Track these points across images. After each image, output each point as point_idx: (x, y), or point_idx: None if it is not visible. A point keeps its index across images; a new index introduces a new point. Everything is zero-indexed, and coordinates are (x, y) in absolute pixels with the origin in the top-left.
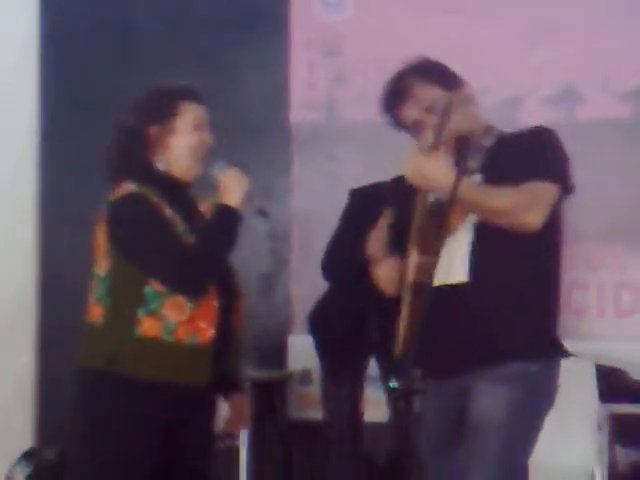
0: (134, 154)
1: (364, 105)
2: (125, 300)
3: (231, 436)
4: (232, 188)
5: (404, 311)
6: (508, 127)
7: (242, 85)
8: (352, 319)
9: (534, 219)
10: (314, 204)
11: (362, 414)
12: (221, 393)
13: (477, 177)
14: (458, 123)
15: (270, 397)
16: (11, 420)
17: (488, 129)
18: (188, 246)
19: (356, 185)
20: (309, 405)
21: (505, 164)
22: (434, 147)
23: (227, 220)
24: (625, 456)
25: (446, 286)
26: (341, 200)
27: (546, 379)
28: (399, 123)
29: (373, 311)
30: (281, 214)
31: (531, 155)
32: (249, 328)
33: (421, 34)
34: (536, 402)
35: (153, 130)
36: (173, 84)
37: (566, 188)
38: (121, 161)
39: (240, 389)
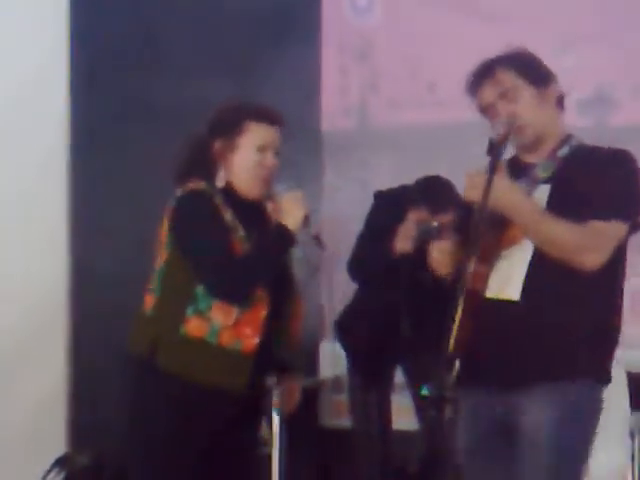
0: (199, 162)
1: (396, 111)
2: (176, 295)
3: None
4: (292, 211)
5: (458, 313)
6: None
7: (273, 91)
8: (381, 322)
9: (593, 262)
10: (345, 211)
11: (390, 421)
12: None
13: (544, 188)
14: (533, 120)
15: (302, 405)
16: (44, 424)
17: (566, 138)
18: (237, 254)
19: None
20: (341, 412)
21: (578, 184)
22: (495, 170)
23: (281, 240)
24: None
25: (498, 300)
26: (370, 205)
27: (591, 405)
28: (477, 105)
29: (404, 310)
30: (313, 221)
31: (608, 187)
32: None
33: (451, 38)
34: (588, 427)
35: (218, 144)
36: (250, 103)
37: (636, 225)
38: (189, 167)
39: (293, 375)
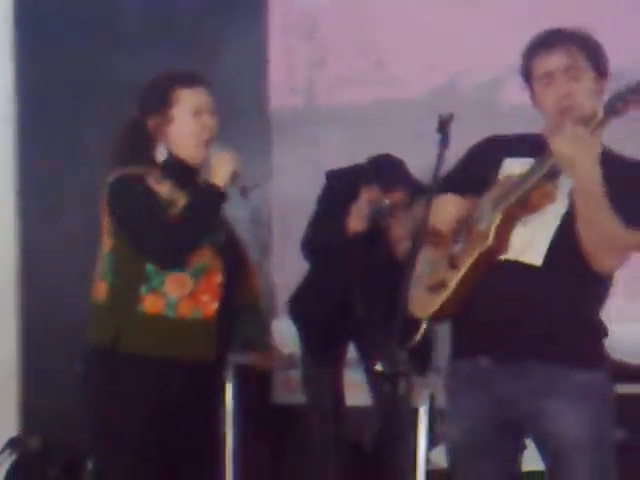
0: (137, 146)
1: (344, 88)
2: (128, 278)
3: None
4: (220, 168)
5: (457, 276)
6: (489, 109)
7: (220, 70)
8: (334, 300)
9: (611, 265)
10: (295, 189)
11: (343, 397)
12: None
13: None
14: (584, 105)
15: (256, 381)
16: None
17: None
18: (169, 220)
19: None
20: (294, 389)
21: (610, 186)
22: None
23: (209, 198)
24: None
25: (516, 262)
26: (322, 185)
27: (605, 387)
28: (529, 72)
29: (358, 289)
30: (262, 200)
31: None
32: None
33: (398, 16)
34: (605, 415)
35: (152, 121)
36: (172, 71)
37: None
38: (125, 153)
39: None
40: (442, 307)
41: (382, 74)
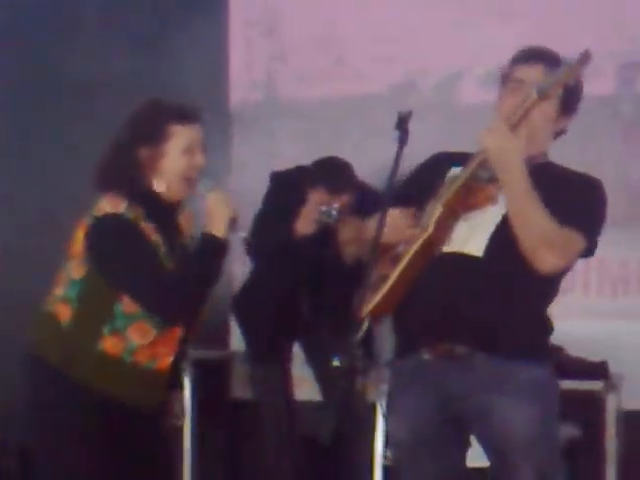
0: (123, 172)
1: (304, 84)
2: (94, 312)
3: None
4: (218, 215)
5: (396, 270)
6: (448, 106)
7: (180, 65)
8: (279, 301)
9: (553, 265)
10: (254, 184)
11: (292, 392)
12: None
13: None
14: (535, 128)
15: (212, 377)
16: None
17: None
18: (170, 271)
19: (295, 164)
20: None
21: (549, 190)
22: (513, 128)
23: (212, 250)
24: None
25: (457, 254)
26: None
27: (552, 384)
28: (507, 75)
29: (305, 290)
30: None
31: (579, 203)
32: None
33: (359, 12)
34: (552, 411)
35: (143, 152)
36: (167, 103)
37: (589, 250)
38: (111, 175)
39: (176, 386)
40: (380, 303)
41: (342, 70)
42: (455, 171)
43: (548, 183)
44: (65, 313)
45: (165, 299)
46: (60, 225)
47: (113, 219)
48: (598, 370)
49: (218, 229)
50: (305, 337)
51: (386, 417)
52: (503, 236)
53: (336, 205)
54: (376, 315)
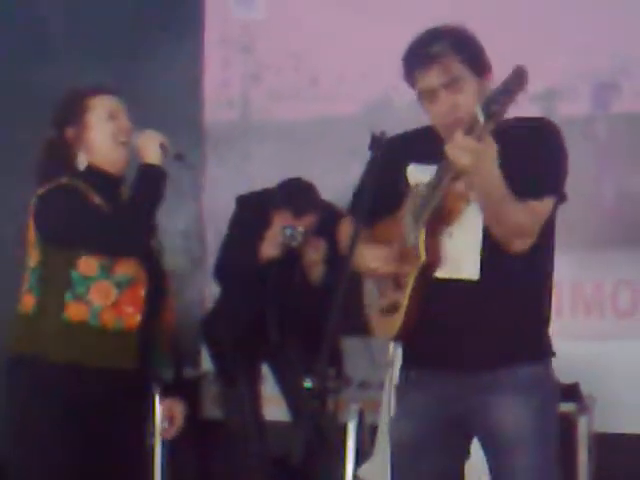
0: (59, 159)
1: (278, 103)
2: (54, 286)
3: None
4: (147, 146)
5: (405, 296)
6: (424, 124)
7: (155, 83)
8: (246, 324)
9: (523, 245)
10: (228, 203)
11: (261, 412)
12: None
13: None
14: (472, 111)
15: (183, 396)
16: None
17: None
18: (117, 210)
19: (269, 182)
20: None
21: (506, 163)
22: (479, 137)
23: (149, 178)
24: None
25: (454, 280)
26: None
27: (551, 379)
28: (411, 81)
29: (273, 312)
30: (194, 213)
31: (536, 164)
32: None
33: (334, 33)
34: (552, 405)
35: (70, 132)
36: (80, 86)
37: (562, 197)
38: (47, 168)
39: (174, 392)
40: (403, 327)
41: (317, 90)
42: (416, 173)
43: (505, 145)
44: (29, 302)
45: (111, 227)
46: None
47: (53, 187)
48: (570, 392)
49: (150, 157)
50: (274, 358)
51: (390, 421)
52: (492, 252)
53: (300, 228)
54: (400, 338)
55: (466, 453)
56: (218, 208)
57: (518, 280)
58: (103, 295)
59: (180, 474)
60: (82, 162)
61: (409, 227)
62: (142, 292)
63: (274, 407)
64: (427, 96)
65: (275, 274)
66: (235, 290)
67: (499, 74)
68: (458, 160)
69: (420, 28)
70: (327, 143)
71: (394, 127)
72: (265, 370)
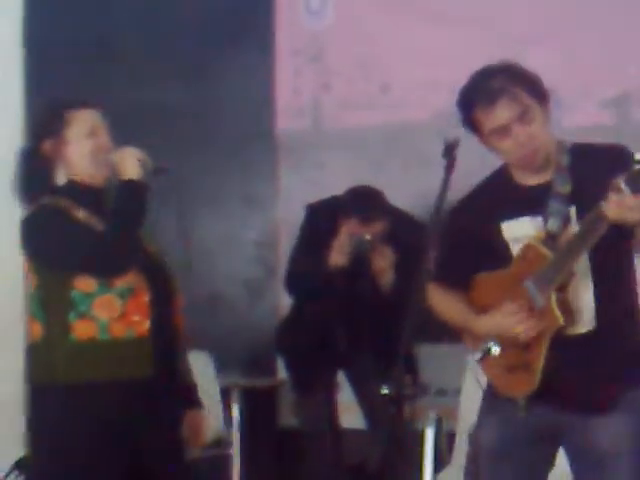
0: (37, 172)
1: (349, 111)
2: (56, 309)
3: (222, 445)
4: (126, 162)
5: (539, 357)
6: None
7: (228, 93)
8: (319, 331)
9: None
10: (300, 211)
11: (338, 420)
12: (181, 406)
13: (572, 209)
14: (546, 141)
15: (260, 405)
16: (2, 426)
17: (560, 145)
18: (101, 231)
19: (340, 190)
20: None
21: (598, 193)
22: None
23: (130, 194)
24: None
25: (576, 335)
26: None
27: None
28: (474, 125)
29: (340, 323)
30: (268, 222)
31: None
32: (238, 336)
33: (403, 40)
34: None
35: (47, 145)
36: (62, 98)
37: None
38: (28, 183)
39: (197, 404)
40: (540, 386)
41: (387, 97)
42: (514, 229)
43: (590, 175)
44: (36, 330)
45: (100, 251)
46: None
47: (37, 211)
48: None
49: (129, 173)
50: (349, 366)
51: (475, 426)
52: (603, 299)
53: (368, 236)
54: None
55: (551, 463)
56: (291, 217)
57: (628, 319)
58: (108, 308)
59: None
60: (61, 176)
61: (533, 289)
62: (146, 298)
63: (350, 415)
64: (498, 133)
65: (344, 282)
66: (305, 299)
67: (577, 76)
68: (624, 217)
69: (491, 34)
70: (399, 150)
71: (466, 133)
72: (341, 378)
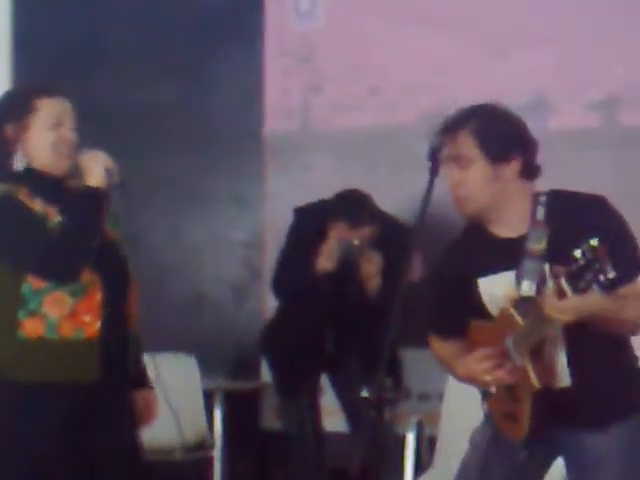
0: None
1: (338, 113)
2: (4, 304)
3: (204, 447)
4: (92, 167)
5: (526, 408)
6: None
7: (216, 94)
8: (305, 335)
9: None
10: (288, 213)
11: (321, 424)
12: (130, 389)
13: (545, 266)
14: (477, 195)
15: (243, 408)
16: None
17: (535, 197)
18: (55, 233)
19: (328, 193)
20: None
21: (575, 249)
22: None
23: (91, 201)
24: None
25: (551, 391)
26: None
27: None
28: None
29: (329, 325)
30: (255, 223)
31: (612, 245)
32: (223, 337)
33: (392, 43)
34: None
35: (9, 128)
36: (33, 83)
37: None
38: None
39: (147, 384)
40: (529, 436)
41: (376, 99)
42: (489, 286)
43: (568, 234)
44: None
45: (50, 255)
46: None
47: None
48: None
49: (94, 179)
50: (333, 370)
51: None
52: (575, 356)
53: (356, 241)
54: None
55: (545, 468)
56: (279, 218)
57: (607, 364)
58: (58, 306)
59: None
60: (20, 162)
61: (512, 347)
62: (99, 297)
63: (333, 419)
64: (445, 164)
65: (331, 287)
66: (292, 303)
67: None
68: (561, 321)
69: (480, 37)
70: (387, 152)
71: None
72: (324, 382)
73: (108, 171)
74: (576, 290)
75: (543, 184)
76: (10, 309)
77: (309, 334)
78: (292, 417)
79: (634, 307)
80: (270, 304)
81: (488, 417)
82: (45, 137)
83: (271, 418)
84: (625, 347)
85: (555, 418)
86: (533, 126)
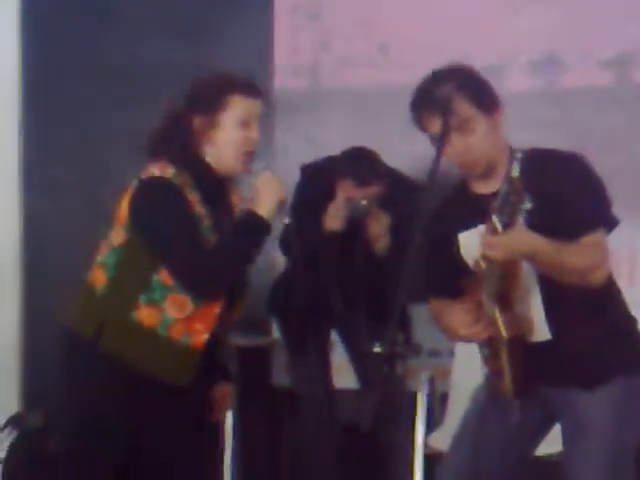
0: (175, 139)
1: (348, 70)
2: (131, 280)
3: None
4: (266, 196)
5: (504, 362)
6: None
7: (225, 50)
8: (311, 295)
9: (601, 277)
10: (298, 171)
11: (331, 379)
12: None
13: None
14: (486, 151)
15: (255, 363)
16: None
17: (511, 154)
18: (209, 247)
19: (338, 150)
20: None
21: (548, 203)
22: (510, 225)
23: (253, 229)
24: None
25: (532, 344)
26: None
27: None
28: (422, 126)
29: (334, 284)
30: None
31: (580, 202)
32: None
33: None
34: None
35: (197, 120)
36: (230, 74)
37: (613, 224)
38: (162, 142)
39: (228, 377)
40: (518, 392)
41: (386, 57)
42: (467, 241)
43: (542, 191)
44: (101, 279)
45: (198, 272)
46: (106, 211)
47: (158, 182)
48: None
49: (264, 209)
50: (342, 326)
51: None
52: (555, 309)
53: (364, 201)
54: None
55: (541, 432)
56: (288, 176)
57: (590, 319)
58: (178, 308)
59: (249, 440)
60: (211, 156)
61: (485, 301)
62: (217, 310)
63: (343, 374)
64: (440, 139)
65: (338, 246)
66: (299, 261)
67: (575, 36)
68: (494, 258)
69: None
70: (396, 110)
71: None
72: (334, 338)
73: (280, 203)
74: (504, 225)
75: (557, 141)
76: (135, 288)
77: (317, 291)
78: (301, 373)
79: (581, 254)
80: (280, 261)
81: (486, 376)
82: (233, 135)
83: (281, 374)
84: (612, 303)
85: (539, 373)
86: (546, 83)
